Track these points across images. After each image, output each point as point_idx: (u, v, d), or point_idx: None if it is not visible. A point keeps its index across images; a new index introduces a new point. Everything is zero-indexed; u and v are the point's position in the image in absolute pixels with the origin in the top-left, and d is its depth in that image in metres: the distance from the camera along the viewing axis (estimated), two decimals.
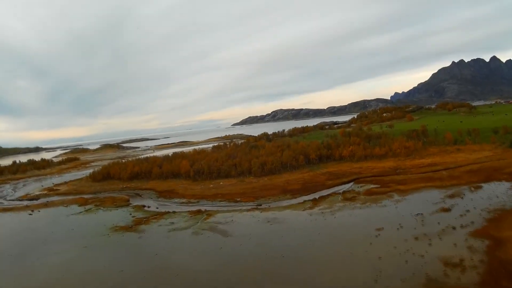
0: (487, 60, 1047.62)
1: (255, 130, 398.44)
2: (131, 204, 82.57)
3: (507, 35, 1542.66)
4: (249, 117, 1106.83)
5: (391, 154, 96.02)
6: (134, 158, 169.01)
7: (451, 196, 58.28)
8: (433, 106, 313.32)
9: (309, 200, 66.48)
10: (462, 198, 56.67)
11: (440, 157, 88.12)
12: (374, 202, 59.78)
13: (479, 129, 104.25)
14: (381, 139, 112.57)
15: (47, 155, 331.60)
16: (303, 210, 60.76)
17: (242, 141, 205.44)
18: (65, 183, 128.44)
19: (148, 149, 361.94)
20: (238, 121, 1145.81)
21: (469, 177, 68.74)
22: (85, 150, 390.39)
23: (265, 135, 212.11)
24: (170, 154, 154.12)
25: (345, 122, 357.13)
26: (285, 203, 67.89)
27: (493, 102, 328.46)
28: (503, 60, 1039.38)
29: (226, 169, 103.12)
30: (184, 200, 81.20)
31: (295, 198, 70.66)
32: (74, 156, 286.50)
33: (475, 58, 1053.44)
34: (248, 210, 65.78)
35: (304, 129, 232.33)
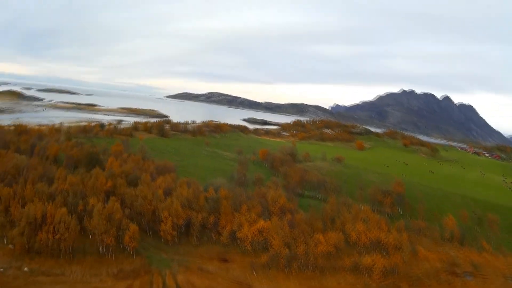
0: (439, 97, 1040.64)
1: (182, 108, 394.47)
2: None
3: (463, 79, 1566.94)
4: (185, 93, 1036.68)
5: (349, 263, 39.33)
6: None
7: None
8: (379, 131, 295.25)
9: None
10: None
11: None
12: None
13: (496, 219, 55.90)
14: (333, 211, 56.12)
15: None
16: None
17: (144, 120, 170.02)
18: None
19: (45, 105, 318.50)
20: (173, 94, 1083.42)
21: None
22: None
23: (160, 124, 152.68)
24: None
25: (277, 124, 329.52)
26: None
27: (447, 144, 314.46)
28: (455, 102, 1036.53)
29: None
30: None
31: None
32: None
33: (427, 92, 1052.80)
34: None
35: (219, 127, 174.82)
